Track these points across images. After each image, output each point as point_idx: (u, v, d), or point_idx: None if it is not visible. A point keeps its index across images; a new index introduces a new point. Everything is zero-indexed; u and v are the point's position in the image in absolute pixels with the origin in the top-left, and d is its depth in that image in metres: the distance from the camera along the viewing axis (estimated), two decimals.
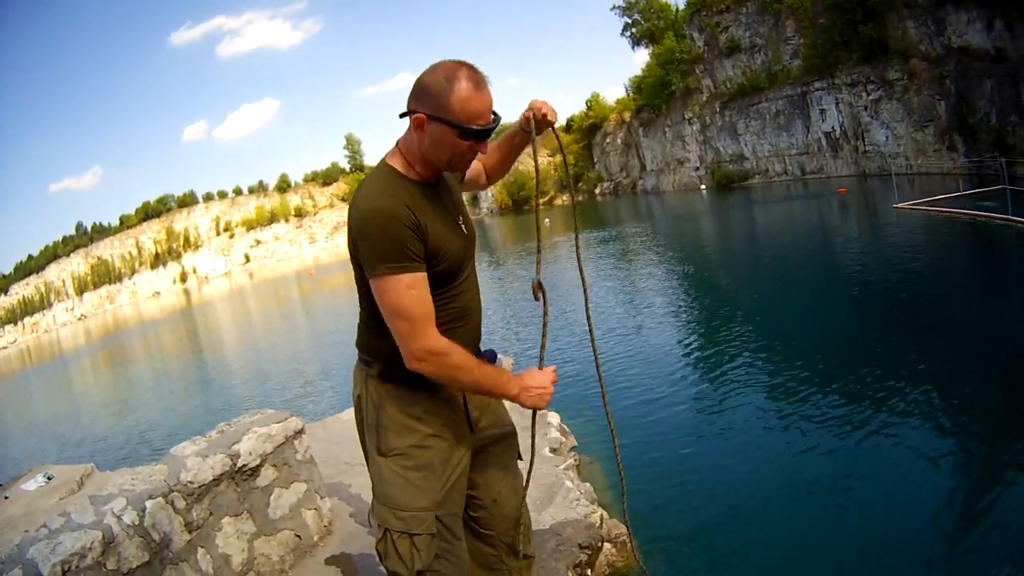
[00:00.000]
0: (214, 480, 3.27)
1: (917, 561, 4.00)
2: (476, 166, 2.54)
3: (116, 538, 2.73)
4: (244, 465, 3.46)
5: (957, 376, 6.90)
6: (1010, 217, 14.45)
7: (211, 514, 3.29)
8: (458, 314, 2.22)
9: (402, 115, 2.04)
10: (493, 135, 2.14)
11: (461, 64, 1.97)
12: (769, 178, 42.09)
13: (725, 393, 7.61)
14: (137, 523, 2.85)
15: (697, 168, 50.21)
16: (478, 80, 1.96)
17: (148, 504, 2.94)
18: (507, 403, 2.44)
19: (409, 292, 1.98)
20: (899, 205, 19.96)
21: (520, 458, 2.63)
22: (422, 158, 2.07)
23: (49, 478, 4.13)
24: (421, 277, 2.01)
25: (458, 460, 2.28)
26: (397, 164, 2.09)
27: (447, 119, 1.94)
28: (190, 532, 3.14)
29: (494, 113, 2.02)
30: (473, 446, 2.36)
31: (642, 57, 70.61)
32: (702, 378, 8.37)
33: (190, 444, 3.48)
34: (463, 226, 2.22)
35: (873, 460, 5.41)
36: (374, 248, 1.97)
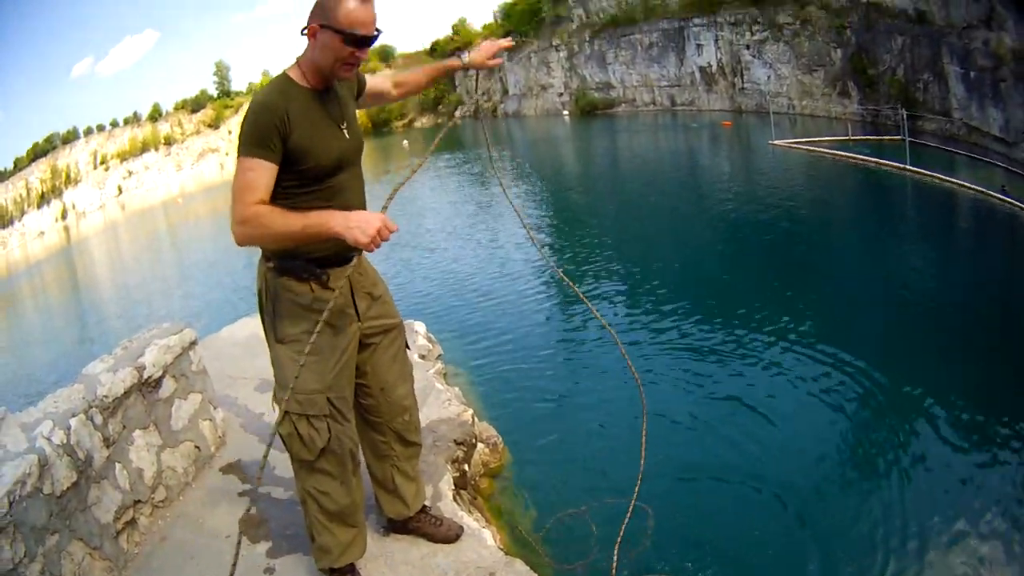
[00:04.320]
0: (125, 393, 3.43)
1: (799, 485, 4.67)
2: (380, 83, 2.92)
3: (49, 460, 2.83)
4: (149, 377, 3.63)
5: (832, 318, 7.57)
6: (907, 167, 15.21)
7: (124, 427, 3.47)
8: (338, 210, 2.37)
9: (302, 31, 2.35)
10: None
11: None
12: (636, 107, 42.00)
13: (579, 329, 7.97)
14: (65, 442, 2.96)
15: (561, 94, 49.91)
16: None
17: (72, 422, 3.06)
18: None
19: (246, 173, 2.24)
20: (775, 142, 20.43)
21: (408, 348, 2.95)
22: (313, 66, 2.35)
23: None
24: (265, 165, 2.25)
25: (345, 346, 2.57)
26: (293, 73, 2.39)
27: (334, 26, 2.23)
28: (108, 447, 3.30)
29: (377, 29, 2.30)
30: (360, 336, 2.64)
31: None
32: (559, 318, 8.62)
33: (99, 363, 3.59)
34: (346, 131, 2.49)
35: (740, 393, 5.97)
36: (242, 132, 2.29)
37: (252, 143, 2.27)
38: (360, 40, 2.30)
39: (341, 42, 2.27)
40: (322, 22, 2.27)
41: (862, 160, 17.08)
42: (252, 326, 6.42)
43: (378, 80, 2.92)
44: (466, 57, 2.89)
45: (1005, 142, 17.89)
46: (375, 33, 2.33)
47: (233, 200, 2.27)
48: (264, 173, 2.27)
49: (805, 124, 26.46)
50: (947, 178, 14.10)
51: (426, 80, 3.04)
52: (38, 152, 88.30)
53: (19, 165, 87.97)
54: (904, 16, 23.00)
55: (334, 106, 2.49)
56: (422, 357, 5.64)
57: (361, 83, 2.78)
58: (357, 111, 2.72)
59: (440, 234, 14.31)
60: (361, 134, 2.65)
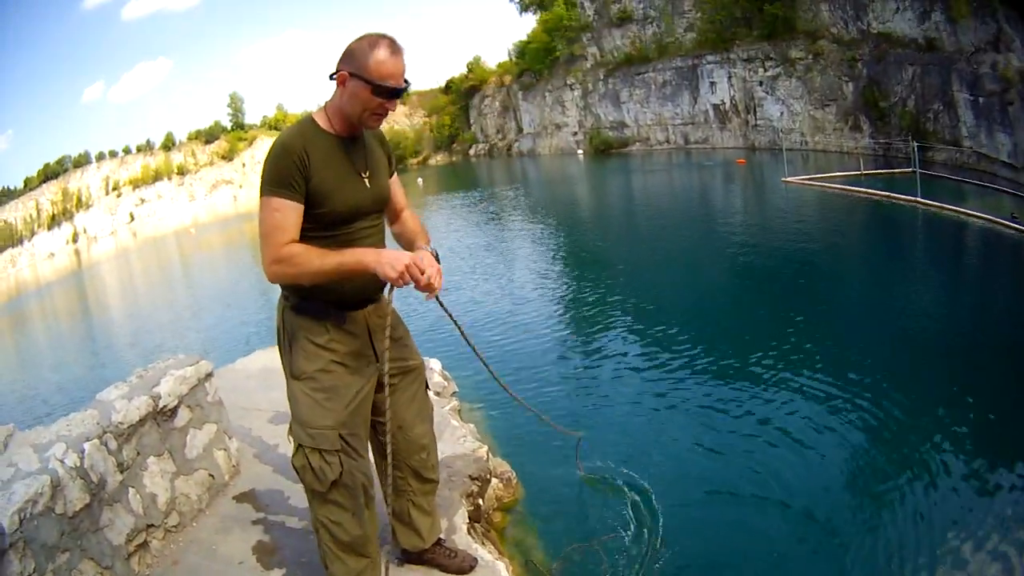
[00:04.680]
0: (140, 421, 3.46)
1: (811, 524, 4.54)
2: (396, 200, 2.76)
3: (62, 481, 2.84)
4: (164, 406, 3.66)
5: (846, 351, 7.47)
6: (918, 199, 15.17)
7: (138, 454, 3.49)
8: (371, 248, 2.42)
9: (330, 76, 2.39)
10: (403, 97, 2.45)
11: (384, 35, 2.32)
12: (650, 146, 42.11)
13: (602, 369, 7.85)
14: (78, 465, 2.97)
15: (575, 133, 50.14)
16: (395, 49, 2.31)
17: (86, 446, 3.07)
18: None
19: (273, 213, 2.31)
20: (788, 179, 20.40)
21: (428, 388, 3.00)
22: (340, 113, 2.40)
23: None
24: (290, 205, 2.31)
25: (361, 386, 2.58)
26: (318, 117, 2.44)
27: (364, 76, 2.28)
28: (121, 472, 3.32)
29: (406, 80, 2.35)
30: (378, 376, 2.63)
31: (529, 23, 69.18)
32: (574, 355, 8.53)
33: (114, 389, 3.62)
34: (367, 181, 2.51)
35: (759, 433, 5.82)
36: (264, 173, 2.36)
37: (275, 183, 2.32)
38: (390, 92, 2.33)
39: (370, 92, 2.32)
40: (352, 71, 2.32)
41: (874, 194, 17.04)
42: (265, 359, 6.46)
43: (400, 197, 2.82)
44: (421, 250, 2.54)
45: (1014, 167, 18.00)
46: (404, 85, 2.37)
47: (263, 241, 2.34)
48: (291, 213, 2.34)
49: (817, 160, 26.36)
50: (957, 208, 14.11)
51: (404, 233, 2.83)
52: (49, 174, 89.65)
53: (29, 185, 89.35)
54: (914, 45, 23.19)
55: (358, 155, 2.51)
56: (437, 394, 5.67)
57: (392, 169, 2.78)
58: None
59: (455, 273, 14.33)
60: (386, 186, 2.66)
